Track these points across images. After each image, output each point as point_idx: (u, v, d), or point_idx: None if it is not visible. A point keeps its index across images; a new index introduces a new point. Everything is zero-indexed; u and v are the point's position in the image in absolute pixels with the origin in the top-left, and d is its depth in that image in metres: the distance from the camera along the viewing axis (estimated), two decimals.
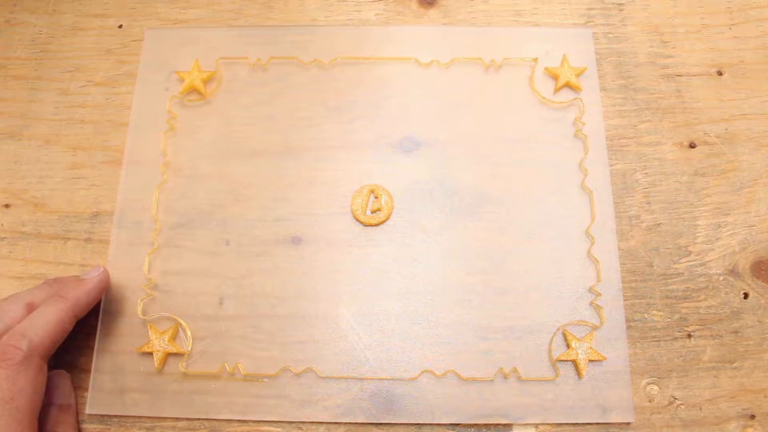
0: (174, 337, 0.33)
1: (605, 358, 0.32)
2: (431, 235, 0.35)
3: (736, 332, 0.33)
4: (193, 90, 0.38)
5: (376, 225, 0.35)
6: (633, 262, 0.35)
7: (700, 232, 0.35)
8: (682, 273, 0.34)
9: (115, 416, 0.32)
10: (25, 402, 0.27)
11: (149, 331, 0.33)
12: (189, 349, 0.33)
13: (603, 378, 0.32)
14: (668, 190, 0.36)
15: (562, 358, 0.32)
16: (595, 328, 0.33)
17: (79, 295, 0.31)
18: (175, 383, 0.33)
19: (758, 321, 0.34)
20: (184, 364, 0.33)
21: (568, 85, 0.37)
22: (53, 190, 0.37)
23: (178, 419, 0.32)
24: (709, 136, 0.37)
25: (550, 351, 0.33)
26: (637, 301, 0.34)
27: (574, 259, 0.34)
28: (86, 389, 0.33)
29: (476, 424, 0.32)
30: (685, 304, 0.34)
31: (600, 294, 0.34)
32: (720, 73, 0.38)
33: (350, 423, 0.32)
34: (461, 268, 0.34)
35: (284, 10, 0.40)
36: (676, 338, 0.33)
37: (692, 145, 0.37)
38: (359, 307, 0.34)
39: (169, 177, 0.36)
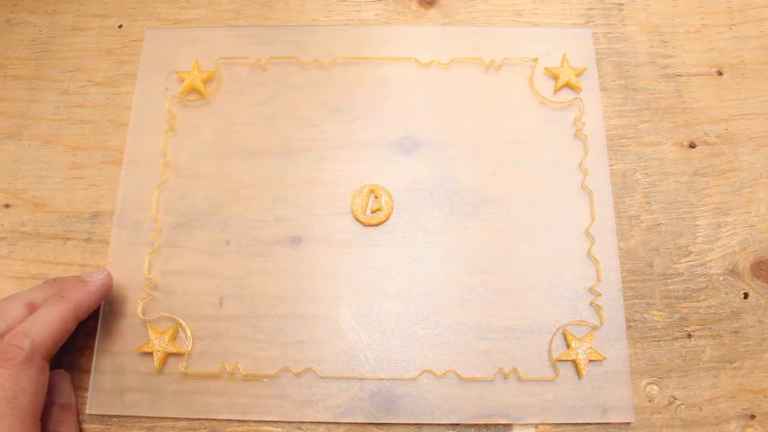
0: (174, 337, 0.33)
1: (605, 358, 0.32)
2: (431, 235, 0.35)
3: (736, 332, 0.33)
4: (193, 90, 0.38)
5: (376, 225, 0.35)
6: (633, 262, 0.35)
7: (700, 232, 0.35)
8: (682, 273, 0.34)
9: (115, 416, 0.32)
10: (27, 402, 0.27)
11: (149, 331, 0.33)
12: (189, 349, 0.33)
13: (603, 378, 0.32)
14: (668, 190, 0.36)
15: (562, 358, 0.32)
16: (595, 328, 0.33)
17: (81, 297, 0.31)
18: (175, 383, 0.33)
19: (758, 321, 0.34)
20: (184, 364, 0.33)
21: (568, 85, 0.38)
22: (53, 190, 0.37)
23: (178, 419, 0.32)
24: (709, 136, 0.37)
25: (550, 351, 0.33)
26: (637, 301, 0.34)
27: (574, 259, 0.34)
28: (86, 389, 0.33)
29: (476, 424, 0.32)
30: (685, 304, 0.34)
31: (600, 294, 0.34)
32: (720, 73, 0.38)
33: (350, 423, 0.32)
34: (461, 268, 0.34)
35: (284, 10, 0.40)
36: (676, 338, 0.33)
37: (692, 145, 0.37)
38: (359, 307, 0.34)
39: (169, 177, 0.36)
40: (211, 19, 0.40)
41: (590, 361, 0.32)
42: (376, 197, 0.36)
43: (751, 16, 0.40)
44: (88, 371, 0.33)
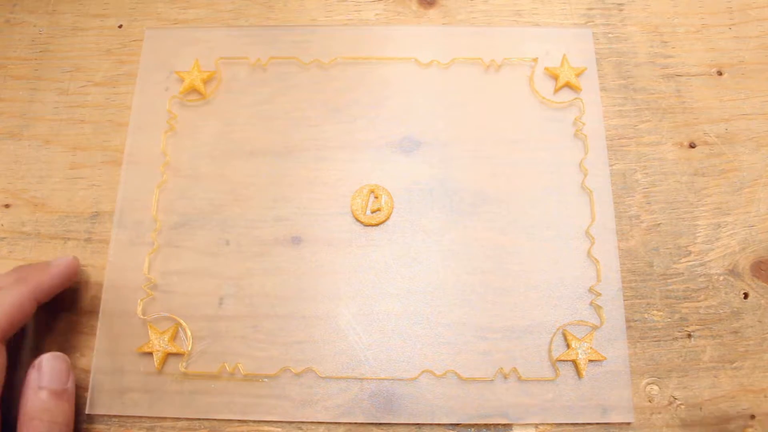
0: (174, 337, 0.33)
1: (605, 358, 0.32)
2: (431, 235, 0.35)
3: (736, 332, 0.33)
4: (193, 90, 0.38)
5: (376, 225, 0.35)
6: (633, 262, 0.35)
7: (700, 232, 0.35)
8: (682, 273, 0.34)
9: (114, 416, 0.32)
10: None
11: (149, 331, 0.33)
12: (189, 349, 0.33)
13: (603, 378, 0.32)
14: (668, 190, 0.36)
15: (562, 358, 0.32)
16: (595, 328, 0.33)
17: (42, 279, 0.31)
18: (175, 383, 0.33)
19: (758, 321, 0.34)
20: (184, 364, 0.33)
21: (568, 85, 0.38)
22: (53, 190, 0.37)
23: (177, 419, 0.32)
24: (709, 136, 0.37)
25: (550, 351, 0.33)
26: (637, 301, 0.34)
27: (574, 259, 0.34)
28: (86, 389, 0.33)
29: (476, 424, 0.32)
30: (685, 304, 0.34)
31: (600, 294, 0.34)
32: (720, 73, 0.38)
33: (350, 423, 0.32)
34: (461, 268, 0.34)
35: (284, 10, 0.40)
36: (676, 338, 0.33)
37: (692, 145, 0.37)
38: (359, 307, 0.34)
39: (169, 177, 0.36)
40: (211, 19, 0.40)
41: (590, 361, 0.32)
42: (376, 197, 0.36)
43: (751, 16, 0.40)
44: (88, 371, 0.33)
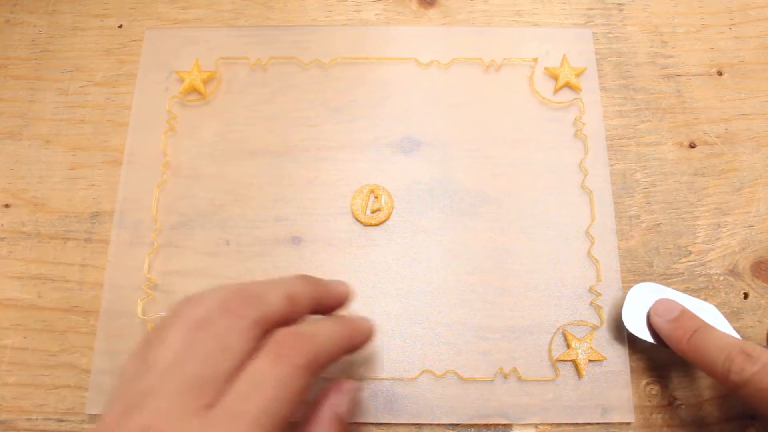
0: None
1: (605, 358, 0.32)
2: (431, 235, 0.35)
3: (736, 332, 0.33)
4: (193, 90, 0.38)
5: (376, 225, 0.35)
6: (633, 262, 0.35)
7: (700, 232, 0.35)
8: (682, 273, 0.34)
9: None
10: (282, 413, 0.21)
11: None
12: None
13: (603, 378, 0.32)
14: (668, 190, 0.36)
15: (562, 358, 0.32)
16: (595, 328, 0.33)
17: (353, 333, 0.26)
18: None
19: (758, 321, 0.34)
20: None
21: (568, 85, 0.37)
22: (53, 190, 0.37)
23: None
24: (709, 136, 0.37)
25: (550, 351, 0.33)
26: None
27: (574, 259, 0.34)
28: (86, 389, 0.33)
29: (476, 424, 0.32)
30: None
31: (600, 294, 0.34)
32: (720, 73, 0.38)
33: (350, 423, 0.32)
34: (461, 268, 0.34)
35: (284, 10, 0.40)
36: None
37: (692, 145, 0.37)
38: (359, 307, 0.34)
39: (169, 177, 0.36)
40: (211, 19, 0.40)
41: (590, 361, 0.32)
42: (376, 197, 0.36)
43: (751, 16, 0.40)
44: (88, 371, 0.33)
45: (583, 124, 0.37)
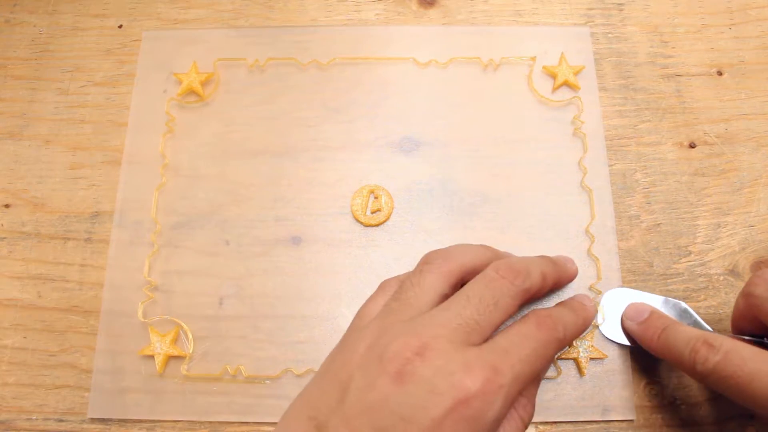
0: (175, 340, 0.33)
1: (606, 356, 0.32)
2: (431, 235, 0.35)
3: None
4: (191, 92, 0.38)
5: (376, 225, 0.35)
6: (633, 262, 0.35)
7: (700, 232, 0.35)
8: (682, 273, 0.34)
9: (115, 417, 0.32)
10: (537, 368, 0.25)
11: (150, 334, 0.33)
12: (190, 351, 0.33)
13: (604, 376, 0.32)
14: (668, 190, 0.36)
15: (563, 356, 0.32)
16: (595, 326, 0.33)
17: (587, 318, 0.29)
18: (177, 385, 0.33)
19: None
20: (185, 366, 0.33)
21: (566, 84, 0.38)
22: (53, 190, 0.37)
23: (178, 420, 0.32)
24: (709, 136, 0.37)
25: None
26: None
27: (575, 257, 0.34)
28: (87, 390, 0.33)
29: None
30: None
31: (600, 292, 0.34)
32: (720, 73, 0.38)
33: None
34: None
35: (284, 10, 0.40)
36: None
37: (692, 145, 0.37)
38: (359, 307, 0.34)
39: (168, 177, 0.36)
40: (211, 19, 0.40)
41: (591, 359, 0.32)
42: (376, 197, 0.36)
43: (751, 16, 0.40)
44: (88, 371, 0.33)
45: (582, 122, 0.37)
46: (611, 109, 0.38)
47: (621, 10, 0.40)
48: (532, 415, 0.26)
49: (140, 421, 0.32)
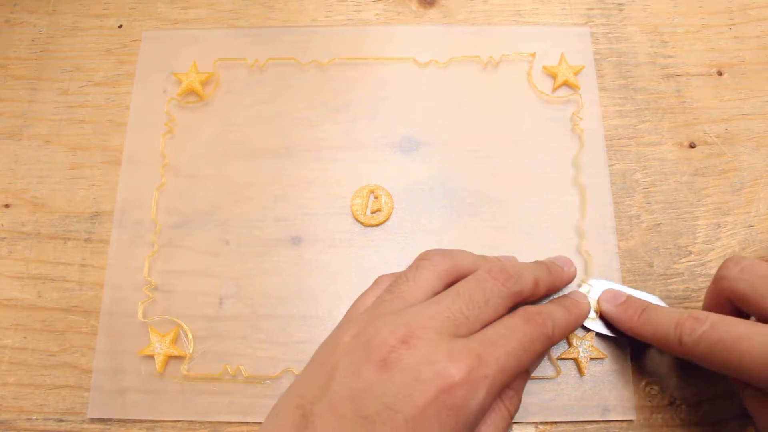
0: (175, 340, 0.33)
1: (606, 356, 0.32)
2: (431, 234, 0.35)
3: None
4: (191, 92, 0.38)
5: (376, 225, 0.35)
6: (633, 262, 0.35)
7: (700, 232, 0.35)
8: (682, 273, 0.34)
9: (115, 417, 0.32)
10: (524, 361, 0.25)
11: (150, 334, 0.33)
12: (191, 351, 0.33)
13: (604, 376, 0.32)
14: (668, 190, 0.36)
15: (563, 356, 0.32)
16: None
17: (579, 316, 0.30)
18: (177, 386, 0.33)
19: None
20: (185, 367, 0.33)
21: (566, 84, 0.38)
22: (53, 190, 0.37)
23: (178, 420, 0.32)
24: (709, 136, 0.37)
25: (550, 349, 0.33)
26: None
27: (574, 258, 0.34)
28: (87, 390, 0.33)
29: None
30: (685, 304, 0.34)
31: (592, 286, 0.33)
32: (720, 73, 0.38)
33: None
34: None
35: (284, 10, 0.40)
36: None
37: (692, 145, 0.37)
38: None
39: (168, 177, 0.36)
40: (211, 19, 0.40)
41: (591, 359, 0.32)
42: (376, 197, 0.36)
43: (751, 16, 0.40)
44: (88, 371, 0.33)
45: (581, 119, 0.37)
46: (611, 109, 0.38)
47: (621, 10, 0.40)
48: (518, 407, 0.26)
49: (140, 421, 0.32)
